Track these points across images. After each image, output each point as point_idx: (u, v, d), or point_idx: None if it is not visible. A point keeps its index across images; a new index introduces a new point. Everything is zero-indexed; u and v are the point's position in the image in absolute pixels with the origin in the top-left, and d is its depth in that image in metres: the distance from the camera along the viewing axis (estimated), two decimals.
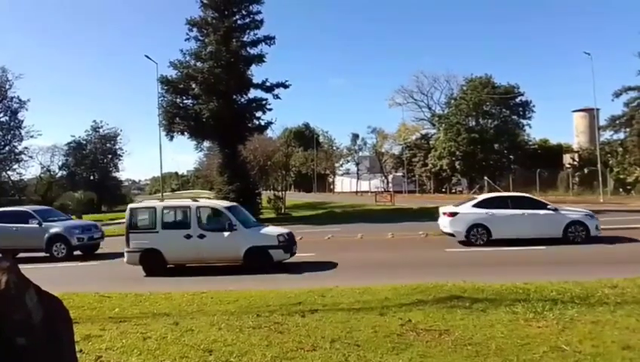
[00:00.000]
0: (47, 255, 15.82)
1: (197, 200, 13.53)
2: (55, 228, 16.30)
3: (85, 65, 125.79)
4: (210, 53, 29.07)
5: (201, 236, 12.00)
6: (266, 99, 30.29)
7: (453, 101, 57.46)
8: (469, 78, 55.34)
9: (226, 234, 11.94)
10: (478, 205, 14.68)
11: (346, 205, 39.43)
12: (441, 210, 15.72)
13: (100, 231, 17.94)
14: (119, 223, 36.45)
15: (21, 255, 16.36)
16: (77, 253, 16.32)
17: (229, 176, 29.18)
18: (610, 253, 12.34)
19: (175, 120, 29.59)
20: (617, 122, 40.62)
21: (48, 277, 12.20)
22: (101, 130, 60.57)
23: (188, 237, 12.01)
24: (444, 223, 15.10)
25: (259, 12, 29.95)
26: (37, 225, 16.18)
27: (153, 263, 12.14)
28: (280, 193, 37.98)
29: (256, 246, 11.76)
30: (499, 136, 51.78)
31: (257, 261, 11.64)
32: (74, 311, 6.02)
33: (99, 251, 17.65)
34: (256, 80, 30.45)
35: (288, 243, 12.11)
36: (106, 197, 57.79)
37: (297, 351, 4.83)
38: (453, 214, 14.73)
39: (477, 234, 14.14)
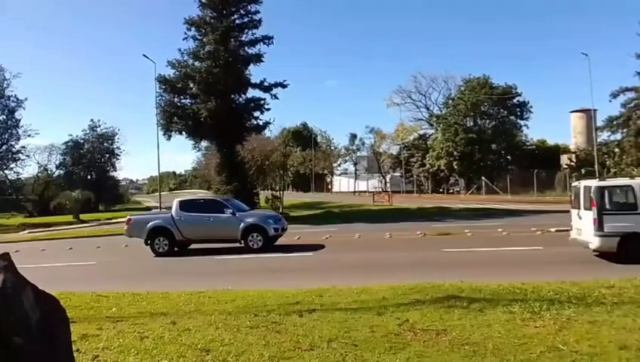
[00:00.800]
0: (242, 245, 15.23)
1: None
2: (250, 217, 15.78)
3: (83, 64, 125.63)
4: (208, 53, 29.08)
5: None
6: (264, 99, 30.39)
7: (451, 101, 57.58)
8: (466, 79, 55.52)
9: None
10: None
11: (343, 205, 39.45)
12: None
13: (285, 222, 17.16)
14: (117, 223, 36.43)
15: (210, 245, 15.90)
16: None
17: (227, 176, 29.20)
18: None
19: (173, 119, 29.60)
20: (614, 123, 40.72)
21: (45, 276, 12.17)
22: (99, 130, 60.40)
23: None
24: None
25: (257, 12, 30.03)
26: (232, 215, 15.57)
27: (636, 249, 10.47)
28: (278, 193, 37.91)
29: None
30: (496, 136, 51.92)
31: None
32: (71, 311, 6.00)
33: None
34: (254, 80, 30.54)
35: None
36: (103, 196, 57.68)
37: (295, 351, 4.83)
38: None
39: None
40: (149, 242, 15.80)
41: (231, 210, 15.75)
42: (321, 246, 15.83)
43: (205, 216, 15.72)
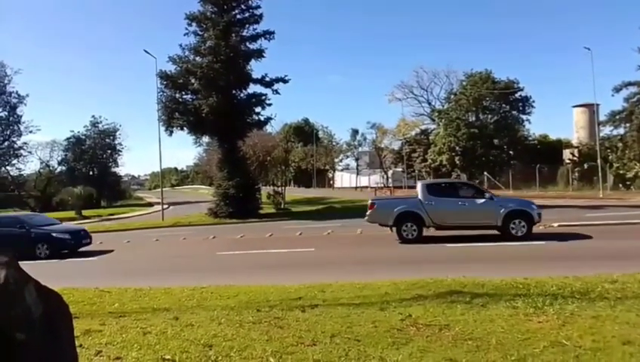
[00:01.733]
0: (500, 233, 14.28)
1: None
2: (511, 202, 14.83)
3: (84, 60, 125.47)
4: (209, 48, 29.01)
5: None
6: (266, 95, 30.29)
7: (453, 96, 57.39)
8: (468, 74, 55.27)
9: None
10: None
11: (345, 200, 39.44)
12: None
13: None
14: (119, 218, 36.53)
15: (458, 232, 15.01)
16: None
17: (229, 172, 29.18)
18: (607, 249, 12.32)
19: (174, 115, 29.57)
20: (617, 117, 40.54)
21: (47, 271, 12.21)
22: (100, 126, 60.62)
23: None
24: None
25: (258, 7, 29.89)
26: (489, 200, 14.51)
27: None
28: (280, 188, 37.97)
29: None
30: (498, 131, 51.76)
31: None
32: (74, 306, 6.01)
33: (98, 248, 17.61)
34: (255, 75, 30.43)
35: None
36: (105, 192, 57.90)
37: (297, 346, 4.82)
38: None
39: None
40: (393, 228, 14.92)
41: (488, 195, 14.95)
42: None
43: (459, 200, 14.75)
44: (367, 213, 15.57)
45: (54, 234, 16.66)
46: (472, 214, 14.49)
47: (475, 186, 15.94)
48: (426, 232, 14.91)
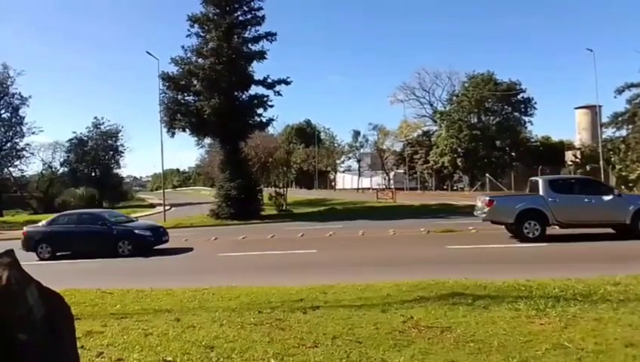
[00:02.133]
0: (615, 231, 14.00)
1: None
2: None
3: (86, 62, 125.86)
4: (211, 50, 29.04)
5: None
6: (267, 96, 30.28)
7: (455, 98, 57.42)
8: (470, 75, 55.32)
9: None
10: None
11: (347, 202, 39.45)
12: None
13: None
14: None
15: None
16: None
17: (231, 173, 29.19)
18: (609, 250, 12.28)
19: (176, 116, 29.59)
20: (620, 119, 40.52)
21: (49, 273, 12.24)
22: (102, 127, 60.67)
23: None
24: None
25: (260, 8, 29.90)
26: (617, 196, 13.99)
27: None
28: (281, 190, 37.98)
29: None
30: (501, 133, 51.75)
31: None
32: (75, 308, 6.01)
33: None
34: (257, 76, 30.43)
35: None
36: (107, 193, 57.90)
37: (299, 348, 4.82)
38: None
39: None
40: (513, 226, 14.22)
41: (616, 191, 14.52)
42: None
43: (585, 197, 14.05)
44: (485, 211, 14.65)
45: (136, 231, 16.25)
46: (599, 211, 13.87)
47: (601, 183, 15.39)
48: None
